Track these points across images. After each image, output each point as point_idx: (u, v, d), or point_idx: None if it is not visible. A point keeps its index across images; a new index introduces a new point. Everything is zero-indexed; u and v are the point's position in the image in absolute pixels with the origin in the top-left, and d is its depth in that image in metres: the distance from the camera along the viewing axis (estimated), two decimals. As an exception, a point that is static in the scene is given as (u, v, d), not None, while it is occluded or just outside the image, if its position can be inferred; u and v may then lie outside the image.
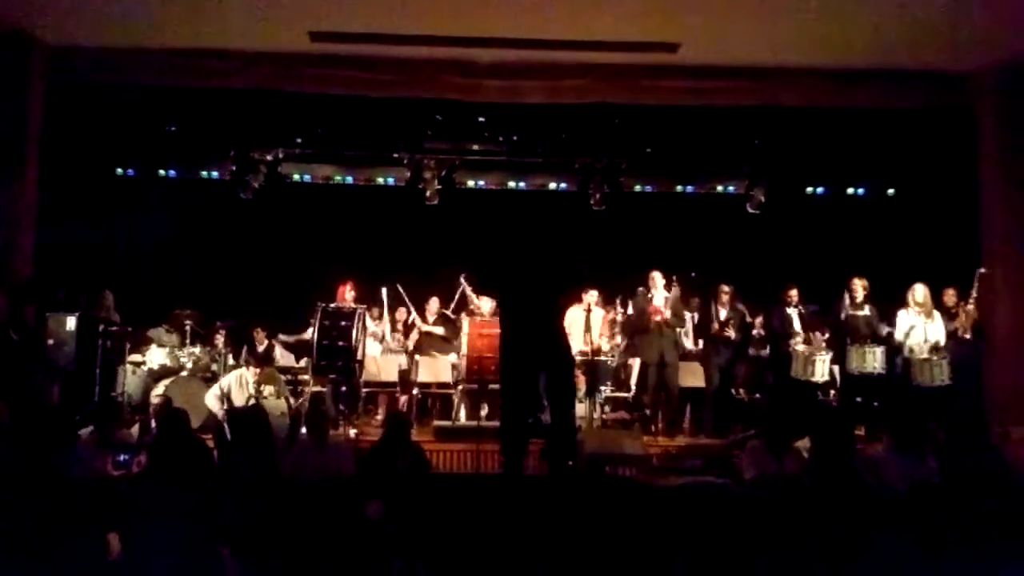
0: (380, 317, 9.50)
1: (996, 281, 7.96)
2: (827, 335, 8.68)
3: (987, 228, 8.19)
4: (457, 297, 9.34)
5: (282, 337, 9.65)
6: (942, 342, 8.14)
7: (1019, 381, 7.73)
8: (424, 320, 9.55)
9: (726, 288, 8.95)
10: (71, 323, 7.78)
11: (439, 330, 9.48)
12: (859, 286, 8.50)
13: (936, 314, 8.29)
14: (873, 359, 8.25)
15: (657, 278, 8.72)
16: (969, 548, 3.92)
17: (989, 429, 7.21)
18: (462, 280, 9.06)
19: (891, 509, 4.53)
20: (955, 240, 8.92)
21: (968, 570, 3.90)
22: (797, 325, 8.62)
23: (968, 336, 8.11)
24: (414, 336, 9.50)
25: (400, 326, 9.68)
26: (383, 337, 9.53)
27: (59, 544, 3.88)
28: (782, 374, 8.58)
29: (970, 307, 8.07)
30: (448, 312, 9.52)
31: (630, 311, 8.97)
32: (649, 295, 8.69)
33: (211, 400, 7.91)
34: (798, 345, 8.53)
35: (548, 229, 6.55)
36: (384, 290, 9.30)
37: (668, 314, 8.57)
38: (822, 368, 8.37)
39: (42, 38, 7.90)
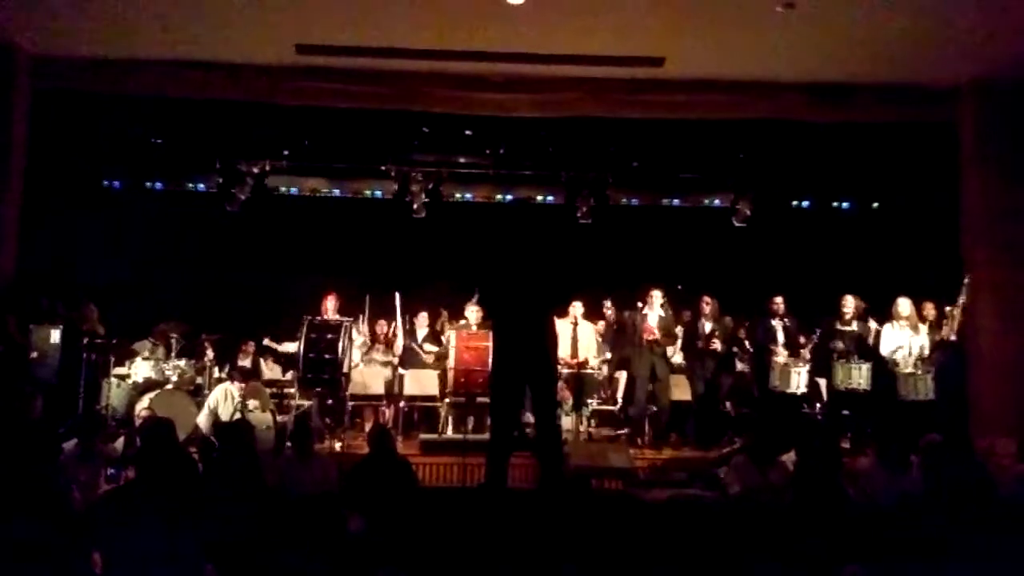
0: (367, 329, 9.43)
1: (979, 292, 8.01)
2: (810, 347, 8.67)
3: (968, 240, 8.24)
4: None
5: (267, 343, 9.59)
6: (927, 353, 8.20)
7: (1002, 391, 7.77)
8: (413, 335, 9.50)
9: (709, 300, 8.97)
10: (55, 336, 7.73)
11: (433, 348, 9.43)
12: (850, 304, 8.52)
13: (921, 327, 8.34)
14: (859, 375, 8.27)
15: (656, 296, 8.70)
16: (954, 562, 3.92)
17: (973, 441, 7.23)
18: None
19: (877, 522, 4.54)
20: (938, 253, 8.98)
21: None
22: (781, 337, 8.64)
23: (954, 338, 8.09)
24: (398, 347, 9.37)
25: (382, 337, 9.52)
26: (368, 348, 9.41)
27: (43, 559, 3.83)
28: (766, 386, 8.60)
29: (957, 310, 8.07)
30: (437, 328, 9.48)
31: (610, 316, 8.94)
32: (644, 312, 8.68)
33: (202, 421, 7.88)
34: (778, 356, 8.55)
35: (535, 242, 6.55)
36: (368, 299, 9.12)
37: (659, 335, 8.58)
38: (798, 380, 8.39)
39: (25, 47, 7.86)
